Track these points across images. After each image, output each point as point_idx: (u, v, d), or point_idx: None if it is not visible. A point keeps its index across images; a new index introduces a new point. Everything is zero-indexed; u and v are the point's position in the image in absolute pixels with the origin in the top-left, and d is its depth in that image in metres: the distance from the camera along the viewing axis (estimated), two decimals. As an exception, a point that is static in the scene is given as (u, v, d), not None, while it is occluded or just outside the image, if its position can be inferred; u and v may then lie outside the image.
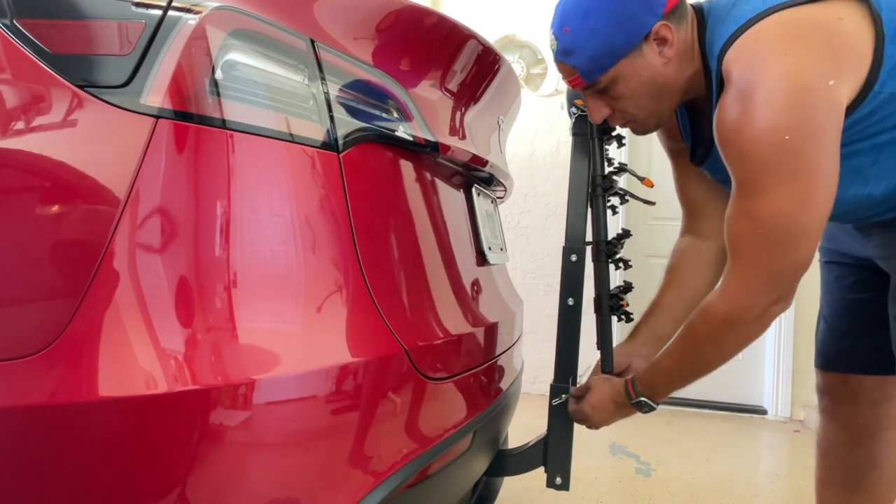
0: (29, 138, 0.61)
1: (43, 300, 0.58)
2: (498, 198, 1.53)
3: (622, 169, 1.20)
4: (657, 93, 0.94)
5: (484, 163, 1.12)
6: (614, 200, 1.19)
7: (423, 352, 0.81)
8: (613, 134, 1.17)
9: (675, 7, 0.88)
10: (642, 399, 1.01)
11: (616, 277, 1.15)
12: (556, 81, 3.37)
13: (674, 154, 1.19)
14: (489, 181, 1.30)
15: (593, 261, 1.16)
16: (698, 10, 0.93)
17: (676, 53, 0.90)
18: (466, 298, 1.03)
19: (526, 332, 3.39)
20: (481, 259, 1.17)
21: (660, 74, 0.91)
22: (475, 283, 1.10)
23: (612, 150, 1.21)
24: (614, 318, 1.16)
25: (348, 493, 0.69)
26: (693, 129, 1.05)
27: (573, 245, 1.17)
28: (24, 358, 0.56)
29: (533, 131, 3.41)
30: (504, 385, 1.14)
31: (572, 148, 1.21)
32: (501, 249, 1.38)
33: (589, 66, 0.91)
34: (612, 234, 1.16)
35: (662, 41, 0.89)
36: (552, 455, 1.15)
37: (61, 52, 0.63)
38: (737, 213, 0.85)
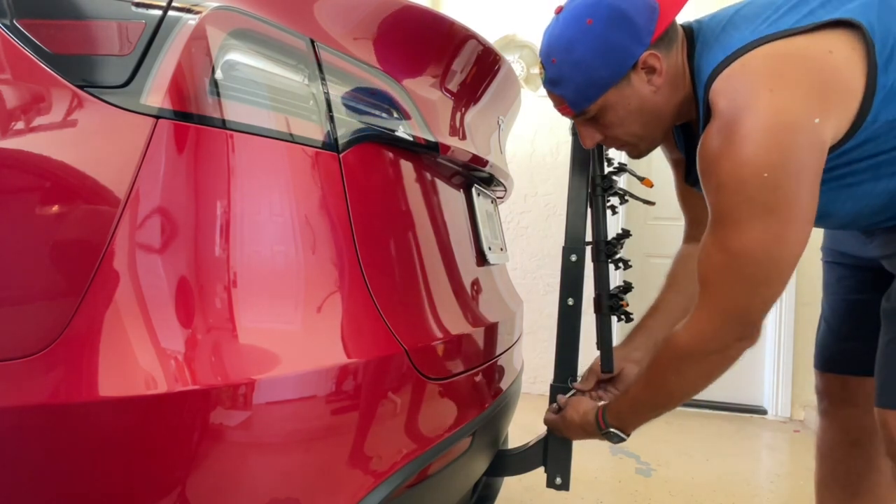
0: (29, 138, 0.61)
1: (43, 300, 0.58)
2: (498, 198, 1.53)
3: (622, 169, 1.19)
4: (647, 120, 0.94)
5: (484, 163, 1.12)
6: (614, 200, 1.19)
7: (423, 352, 0.81)
8: None
9: (663, 34, 0.88)
10: (611, 430, 1.03)
11: (616, 277, 1.15)
12: (556, 81, 3.37)
13: (675, 164, 1.18)
14: (489, 181, 1.30)
15: (593, 261, 1.16)
16: (688, 31, 0.92)
17: (666, 81, 0.90)
18: (466, 298, 1.03)
19: (526, 332, 3.39)
20: (481, 259, 1.17)
21: (649, 102, 0.91)
22: (475, 283, 1.10)
23: (611, 150, 1.21)
24: (614, 318, 1.16)
25: (348, 493, 0.69)
26: (688, 150, 1.05)
27: (573, 245, 1.17)
28: (24, 358, 0.56)
29: (533, 131, 3.41)
30: (504, 385, 1.14)
31: (572, 148, 1.21)
32: (501, 249, 1.38)
33: (576, 96, 0.91)
34: (611, 235, 1.16)
35: (651, 70, 0.88)
36: (552, 455, 1.15)
37: (61, 52, 0.63)
38: (710, 244, 0.84)
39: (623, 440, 1.03)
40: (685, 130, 1.05)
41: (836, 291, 1.20)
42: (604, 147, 1.16)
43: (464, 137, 1.07)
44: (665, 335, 1.20)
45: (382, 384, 0.74)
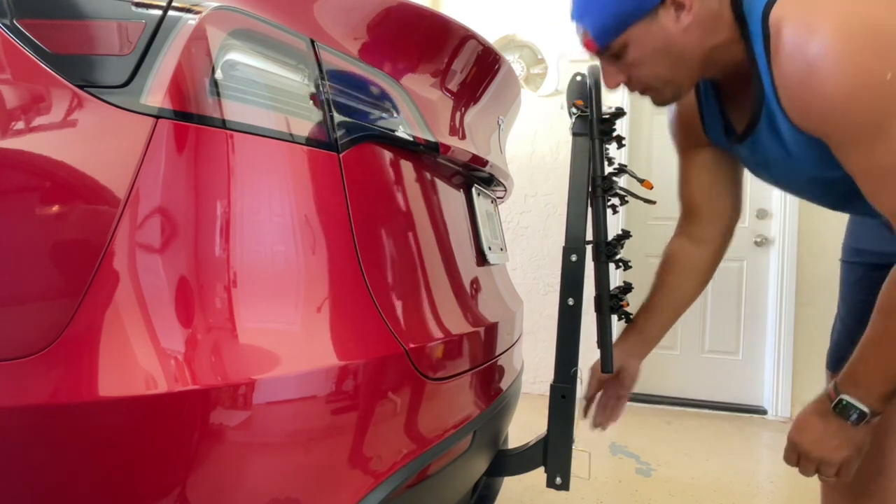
0: (29, 138, 0.61)
1: (43, 300, 0.58)
2: (498, 198, 1.53)
3: (622, 170, 1.19)
4: (674, 61, 0.90)
5: (484, 163, 1.12)
6: (614, 201, 1.19)
7: (423, 352, 0.81)
8: (614, 135, 1.17)
9: None
10: (843, 397, 0.86)
11: (616, 278, 1.15)
12: (556, 81, 3.37)
13: (684, 148, 1.17)
14: (489, 181, 1.30)
15: (594, 261, 1.16)
16: None
17: (697, 21, 0.86)
18: (466, 298, 1.03)
19: (526, 332, 3.39)
20: (481, 259, 1.17)
21: (676, 42, 0.87)
22: (475, 283, 1.10)
23: (612, 150, 1.21)
24: (614, 318, 1.16)
25: (348, 493, 0.69)
26: (723, 109, 1.01)
27: (573, 245, 1.16)
28: (24, 358, 0.56)
29: (533, 131, 3.42)
30: (504, 385, 1.14)
31: (572, 148, 1.21)
32: (501, 249, 1.38)
33: (600, 29, 0.89)
34: (611, 235, 1.17)
35: (680, 6, 0.85)
36: (552, 455, 1.15)
37: (61, 52, 0.64)
38: (873, 165, 0.77)
39: (866, 417, 0.85)
40: (715, 89, 1.02)
41: (855, 292, 1.18)
42: (605, 148, 1.16)
43: (464, 137, 1.07)
44: (661, 333, 1.21)
45: (382, 384, 0.74)
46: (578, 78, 1.17)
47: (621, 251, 1.17)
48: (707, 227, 1.16)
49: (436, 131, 0.95)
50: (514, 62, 3.47)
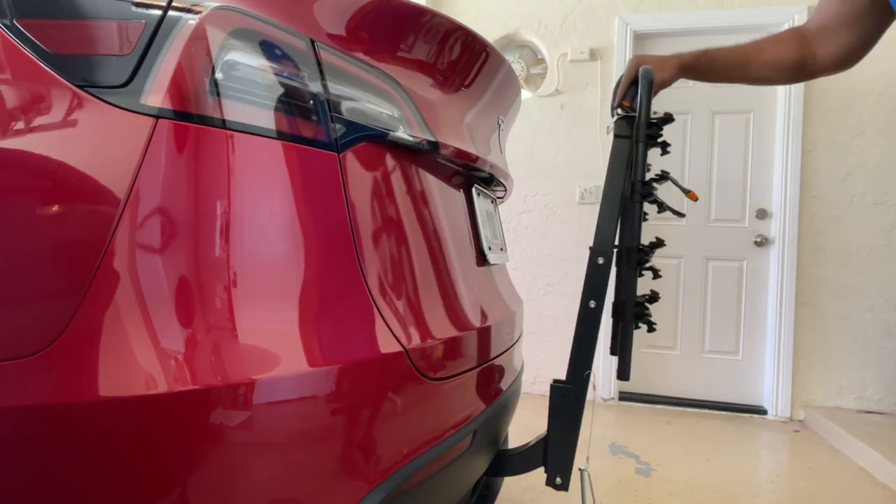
0: (29, 138, 0.61)
1: (43, 300, 0.58)
2: (498, 198, 1.53)
3: (664, 177, 1.16)
4: None
5: (484, 163, 1.12)
6: (648, 208, 1.16)
7: (423, 352, 0.81)
8: (659, 140, 1.14)
9: None
10: None
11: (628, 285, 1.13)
12: (556, 81, 3.37)
13: None
14: (489, 181, 1.30)
15: (620, 266, 1.14)
16: None
17: None
18: (466, 298, 1.03)
19: (526, 332, 3.39)
20: (481, 259, 1.17)
21: None
22: (475, 283, 1.10)
23: (651, 156, 1.19)
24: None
25: (348, 493, 0.69)
26: None
27: (601, 248, 1.14)
28: (24, 358, 0.56)
29: (533, 131, 3.42)
30: (504, 385, 1.14)
31: (612, 150, 1.19)
32: (501, 249, 1.38)
33: None
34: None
35: None
36: (552, 455, 1.15)
37: (61, 52, 0.64)
38: None
39: None
40: None
41: None
42: (647, 151, 1.14)
43: (464, 137, 1.07)
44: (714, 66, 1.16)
45: (382, 384, 0.74)
46: (630, 77, 1.16)
47: (651, 259, 1.14)
48: (822, 44, 1.13)
49: (436, 131, 0.95)
50: (514, 62, 3.47)
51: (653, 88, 1.13)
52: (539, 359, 3.37)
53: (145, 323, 0.58)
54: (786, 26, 3.08)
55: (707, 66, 1.21)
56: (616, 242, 1.16)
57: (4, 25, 0.64)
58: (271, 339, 0.65)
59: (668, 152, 1.16)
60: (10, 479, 0.56)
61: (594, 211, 3.29)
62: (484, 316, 1.07)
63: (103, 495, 0.57)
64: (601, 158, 3.30)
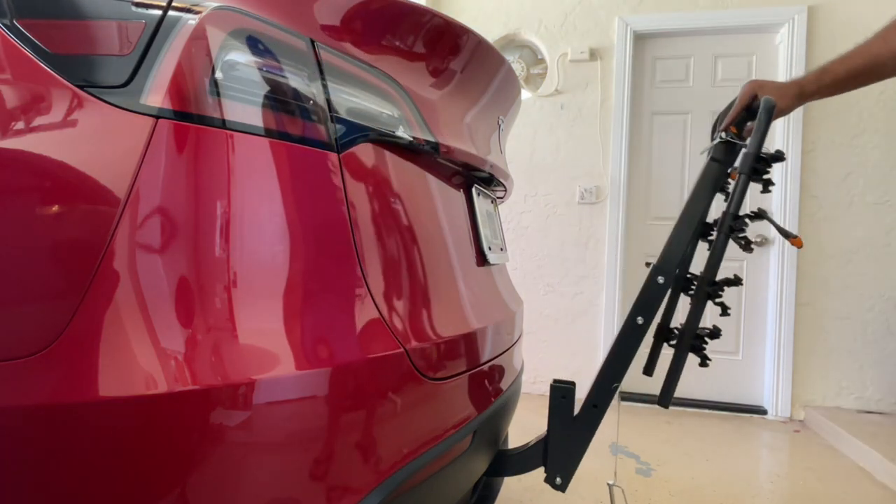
0: (29, 138, 0.61)
1: (43, 300, 0.58)
2: (498, 198, 1.53)
3: (761, 216, 1.10)
4: None
5: (484, 163, 1.12)
6: (729, 240, 1.11)
7: (423, 352, 0.81)
8: (764, 176, 1.09)
9: None
10: None
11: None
12: (556, 81, 3.37)
13: None
14: (489, 181, 1.30)
15: (686, 293, 1.11)
16: None
17: None
18: (466, 298, 1.03)
19: (526, 332, 3.39)
20: (481, 259, 1.17)
21: None
22: (475, 283, 1.10)
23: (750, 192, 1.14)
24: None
25: (348, 493, 0.69)
26: None
27: (665, 268, 1.11)
28: (24, 358, 0.56)
29: (533, 131, 3.42)
30: (504, 385, 1.14)
31: (703, 172, 1.13)
32: (501, 249, 1.38)
33: None
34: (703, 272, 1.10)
35: None
36: (552, 455, 1.15)
37: (61, 52, 0.63)
38: None
39: None
40: None
41: None
42: (747, 186, 1.09)
43: (464, 137, 1.06)
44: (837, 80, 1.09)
45: (382, 384, 0.74)
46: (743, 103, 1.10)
47: (723, 295, 1.11)
48: None
49: (436, 131, 0.95)
50: (514, 62, 3.47)
51: (771, 121, 1.08)
52: (539, 359, 3.37)
53: (145, 323, 0.58)
54: (786, 26, 3.08)
55: (831, 82, 1.15)
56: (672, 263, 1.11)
57: (4, 25, 0.64)
58: (271, 339, 0.65)
59: (769, 191, 1.09)
60: (10, 479, 0.56)
61: (594, 211, 3.29)
62: (484, 316, 1.07)
63: (103, 495, 0.57)
64: (601, 158, 3.30)
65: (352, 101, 0.80)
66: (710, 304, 1.15)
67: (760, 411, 3.10)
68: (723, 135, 1.13)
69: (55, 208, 0.60)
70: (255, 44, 0.69)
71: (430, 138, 0.93)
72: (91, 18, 0.65)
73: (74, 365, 0.56)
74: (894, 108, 2.99)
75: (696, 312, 1.11)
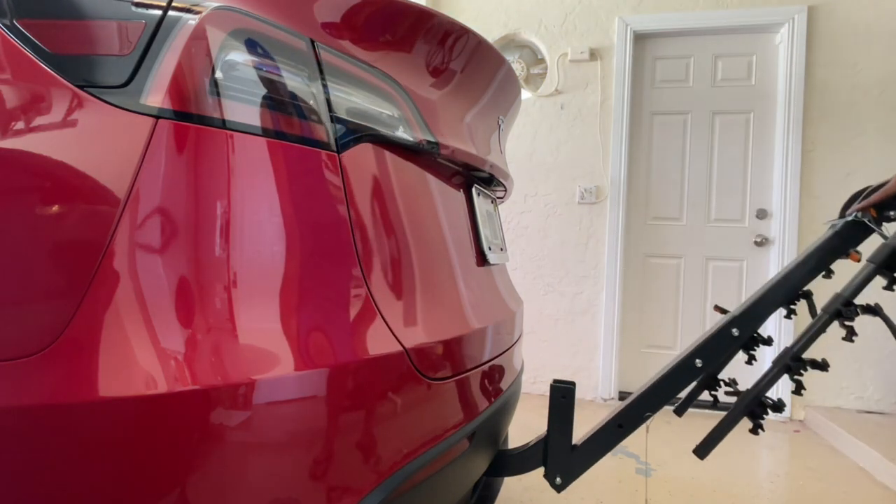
0: (29, 138, 0.61)
1: (43, 300, 0.58)
2: (498, 198, 1.53)
3: (874, 311, 1.03)
4: None
5: (484, 163, 1.12)
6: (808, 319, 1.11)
7: (423, 352, 0.81)
8: (894, 273, 1.02)
9: None
10: None
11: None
12: (556, 81, 3.37)
13: None
14: (489, 181, 1.30)
15: (743, 348, 1.11)
16: None
17: None
18: (466, 298, 1.03)
19: (526, 332, 3.39)
20: (481, 259, 1.17)
21: None
22: (475, 282, 1.10)
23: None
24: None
25: (349, 493, 0.69)
26: None
27: (745, 323, 1.08)
28: (24, 358, 0.56)
29: (533, 131, 3.42)
30: (504, 385, 1.14)
31: (821, 242, 1.07)
32: (501, 249, 1.38)
33: None
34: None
35: None
36: (552, 455, 1.15)
37: (61, 52, 0.64)
38: None
39: None
40: None
41: None
42: (873, 277, 1.04)
43: (464, 137, 1.06)
44: None
45: (382, 384, 0.74)
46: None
47: (803, 374, 1.09)
48: None
49: (436, 131, 0.95)
50: (514, 62, 3.47)
51: None
52: (539, 359, 3.37)
53: (145, 323, 0.58)
54: (786, 26, 3.08)
55: None
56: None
57: (4, 25, 0.64)
58: (271, 339, 0.65)
59: (892, 289, 1.03)
60: (9, 479, 0.56)
61: (594, 211, 3.29)
62: (484, 316, 1.07)
63: (103, 495, 0.57)
64: (601, 158, 3.30)
65: (352, 101, 0.80)
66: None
67: (760, 411, 3.11)
68: (859, 214, 1.05)
69: (55, 208, 0.60)
70: (254, 44, 0.69)
71: (430, 138, 0.93)
72: (91, 18, 0.65)
73: (74, 365, 0.56)
74: (894, 108, 2.99)
75: (770, 380, 1.09)
